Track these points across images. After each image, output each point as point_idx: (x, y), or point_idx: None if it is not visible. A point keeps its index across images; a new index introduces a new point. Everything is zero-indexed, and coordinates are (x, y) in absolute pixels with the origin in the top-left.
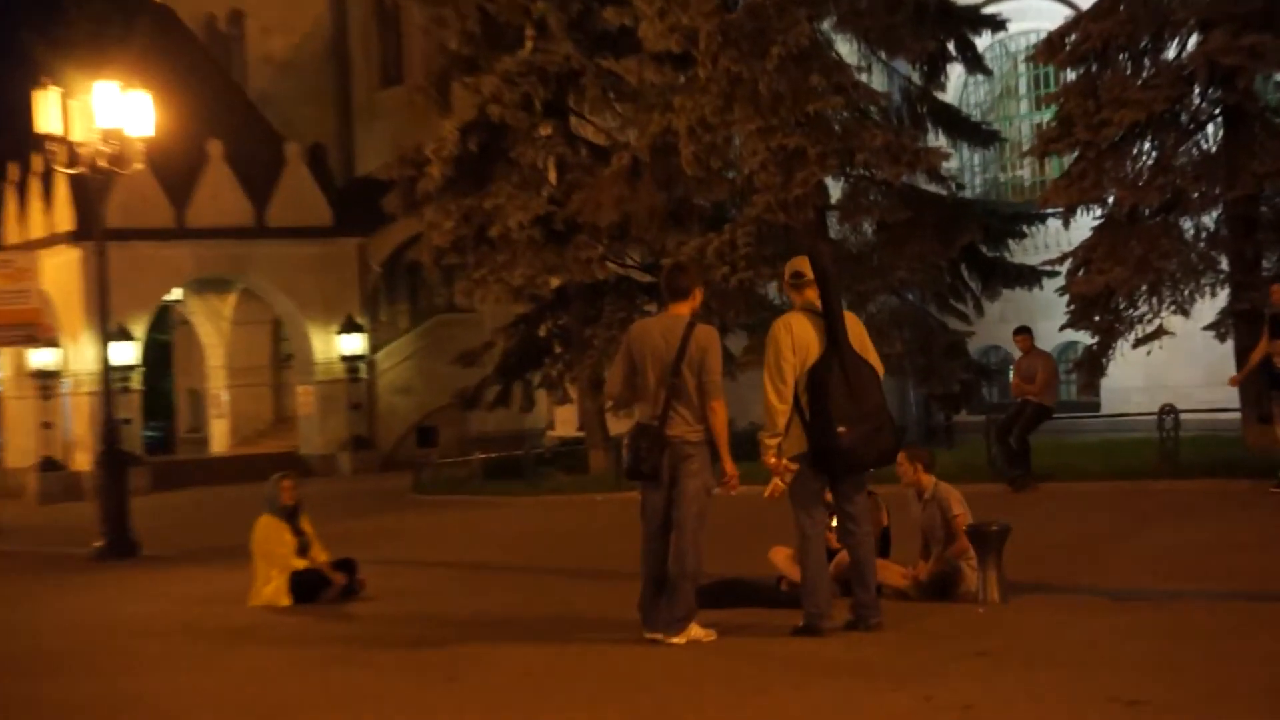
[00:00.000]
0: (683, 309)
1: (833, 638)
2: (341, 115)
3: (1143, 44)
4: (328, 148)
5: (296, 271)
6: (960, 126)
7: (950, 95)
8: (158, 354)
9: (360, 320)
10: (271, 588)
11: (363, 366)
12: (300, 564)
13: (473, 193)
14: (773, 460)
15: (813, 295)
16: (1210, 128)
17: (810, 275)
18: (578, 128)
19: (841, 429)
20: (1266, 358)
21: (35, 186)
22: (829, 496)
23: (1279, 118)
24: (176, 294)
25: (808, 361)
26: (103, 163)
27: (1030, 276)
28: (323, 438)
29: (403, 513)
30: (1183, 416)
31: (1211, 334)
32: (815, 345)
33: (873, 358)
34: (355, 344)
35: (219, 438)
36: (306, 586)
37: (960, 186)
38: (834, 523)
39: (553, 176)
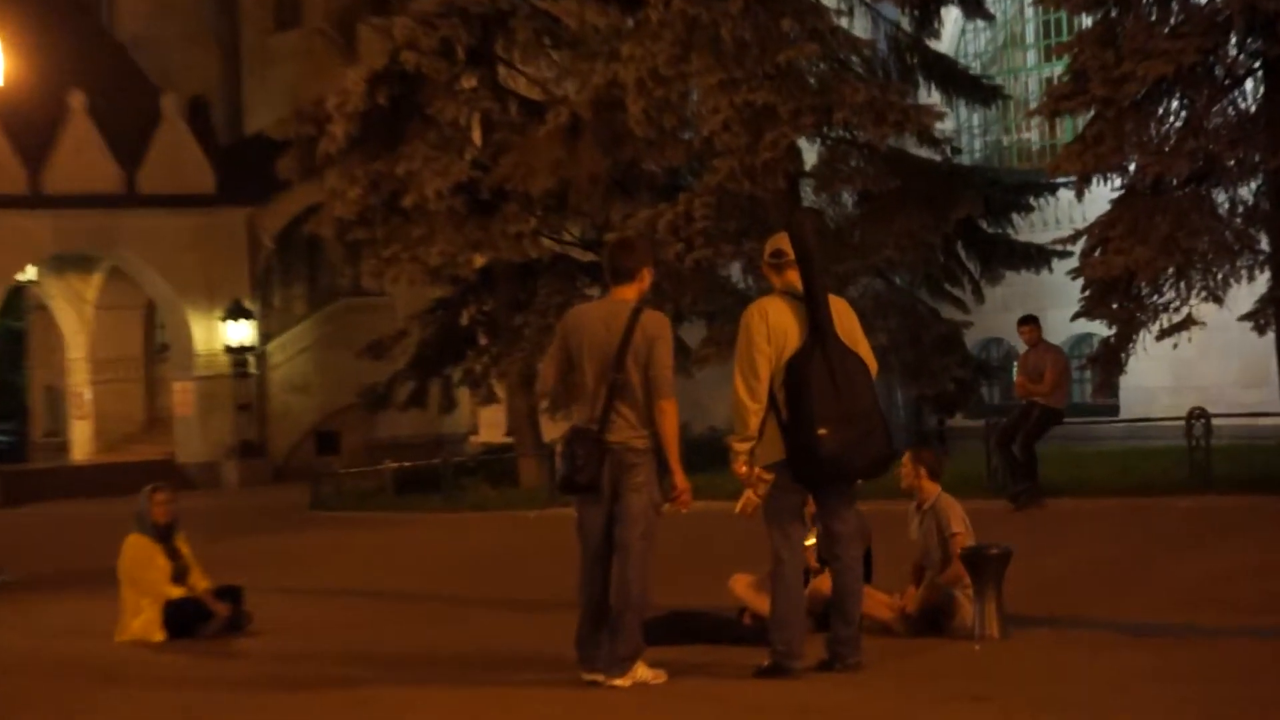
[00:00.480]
0: (628, 293)
1: (804, 679)
2: (228, 63)
3: None
4: (211, 101)
5: (173, 247)
6: (957, 81)
7: (945, 44)
8: (8, 344)
9: (249, 305)
10: (141, 620)
11: (252, 360)
12: (176, 592)
13: (383, 155)
14: (744, 469)
15: (794, 277)
16: (1249, 84)
17: (792, 254)
18: (507, 79)
19: (823, 431)
20: None
21: None
22: (810, 513)
23: None
24: (31, 273)
25: (785, 353)
26: None
27: (1037, 257)
28: (204, 443)
29: (298, 532)
30: (1215, 421)
31: (1249, 325)
32: (795, 334)
33: (864, 351)
34: (243, 333)
35: (81, 443)
36: (183, 618)
37: (956, 151)
38: (810, 540)
39: (477, 137)
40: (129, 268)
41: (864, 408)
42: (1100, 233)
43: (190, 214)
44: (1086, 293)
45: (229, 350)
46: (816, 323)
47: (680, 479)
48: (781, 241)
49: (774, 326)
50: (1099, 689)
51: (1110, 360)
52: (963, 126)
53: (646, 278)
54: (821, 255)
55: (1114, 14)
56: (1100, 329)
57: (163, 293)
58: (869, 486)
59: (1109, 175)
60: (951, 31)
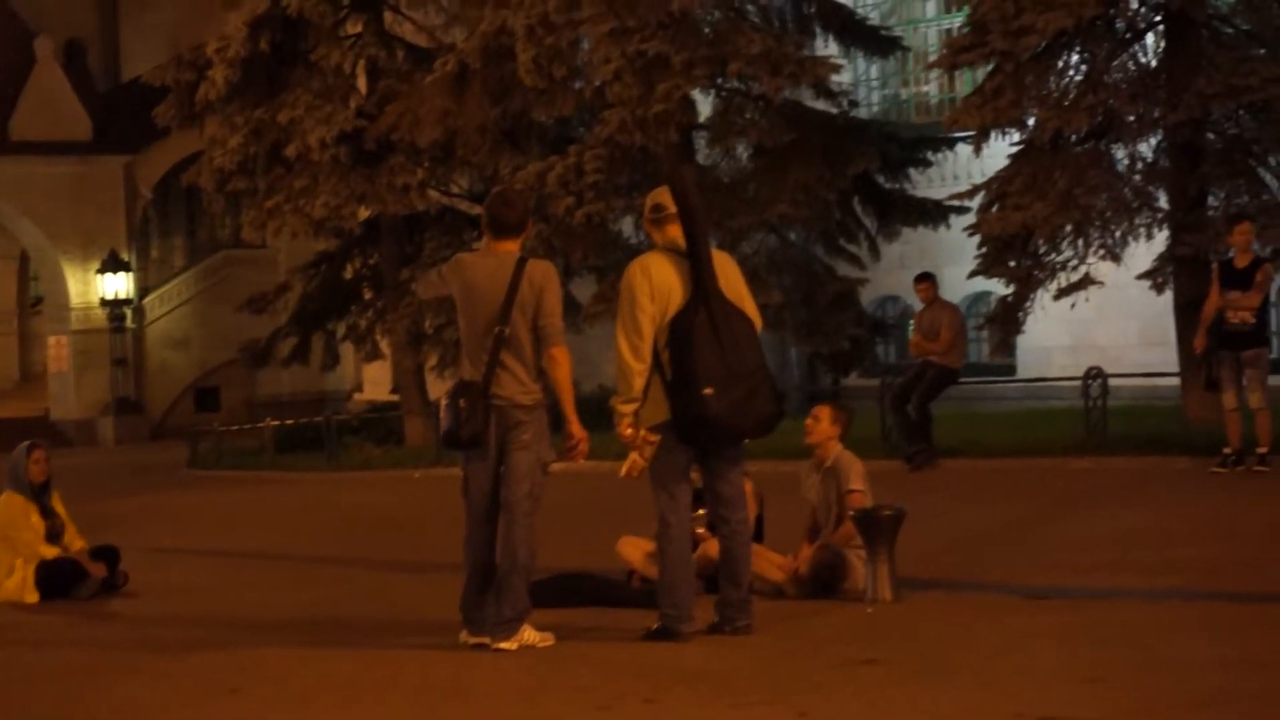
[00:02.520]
0: (511, 247)
1: (693, 643)
2: (105, 5)
3: None
4: (88, 45)
5: (47, 196)
6: (854, 32)
7: None
8: None
9: (126, 257)
10: (15, 580)
11: (129, 313)
12: (51, 552)
13: (265, 103)
14: (629, 431)
15: (676, 233)
16: (1149, 38)
17: (673, 209)
18: (393, 25)
19: (709, 391)
20: (1217, 313)
21: None
22: (696, 474)
23: (1229, 27)
24: None
25: (669, 311)
26: None
27: (935, 213)
28: (79, 400)
29: (177, 491)
30: (1112, 382)
31: (1147, 284)
32: (679, 292)
33: (749, 308)
34: (120, 285)
35: None
36: (58, 579)
37: (854, 104)
38: (701, 511)
39: (362, 84)
40: (1, 218)
41: (750, 366)
42: (998, 188)
43: (65, 162)
44: (983, 250)
45: (105, 303)
46: (700, 280)
47: (577, 428)
48: (662, 196)
49: (657, 284)
50: (991, 652)
51: (1007, 319)
52: (860, 79)
53: (529, 230)
54: (705, 210)
55: None
56: (998, 287)
57: (37, 243)
58: (759, 446)
59: (1008, 130)
60: None
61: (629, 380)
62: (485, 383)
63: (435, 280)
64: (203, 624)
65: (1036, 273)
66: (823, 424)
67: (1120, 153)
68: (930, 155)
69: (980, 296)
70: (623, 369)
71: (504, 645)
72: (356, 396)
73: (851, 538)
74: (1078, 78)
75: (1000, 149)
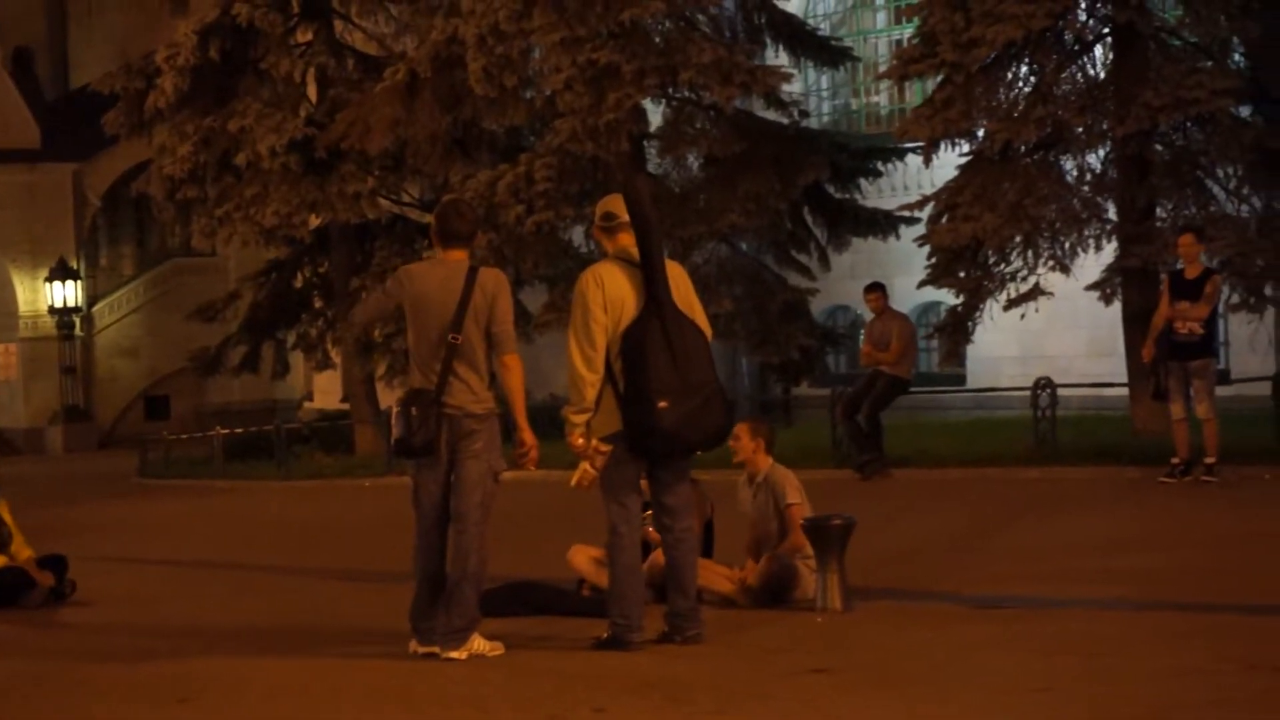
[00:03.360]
0: (461, 255)
1: (643, 652)
2: (54, 12)
3: None
4: (36, 52)
5: None
6: (805, 42)
7: (794, 5)
8: None
9: (75, 264)
10: None
11: (78, 321)
12: None
13: (214, 111)
14: (580, 441)
15: (628, 241)
16: (1098, 50)
17: (625, 217)
18: (343, 33)
19: (662, 404)
20: (1166, 323)
21: None
22: (645, 485)
23: (1177, 40)
24: None
25: (622, 322)
26: None
27: (885, 223)
28: (27, 408)
29: (126, 500)
30: (1061, 392)
31: (1095, 295)
32: (631, 302)
33: (700, 318)
34: (69, 293)
35: None
36: (5, 588)
37: (804, 114)
38: (648, 515)
39: (312, 93)
40: None
41: (702, 378)
42: (948, 199)
43: (13, 169)
44: (933, 260)
45: (54, 311)
46: (654, 291)
47: (528, 435)
48: (613, 204)
49: (610, 294)
50: (941, 661)
51: (957, 329)
52: (811, 89)
53: (479, 240)
54: (658, 221)
55: None
56: (948, 297)
57: None
58: (708, 457)
59: (957, 141)
60: None
61: (581, 390)
62: (438, 391)
63: (376, 300)
64: (152, 633)
65: (986, 283)
66: (743, 441)
67: (1069, 164)
68: (880, 165)
69: (930, 306)
70: (575, 379)
71: (454, 654)
72: (307, 405)
73: (800, 548)
74: (1027, 89)
75: (950, 160)
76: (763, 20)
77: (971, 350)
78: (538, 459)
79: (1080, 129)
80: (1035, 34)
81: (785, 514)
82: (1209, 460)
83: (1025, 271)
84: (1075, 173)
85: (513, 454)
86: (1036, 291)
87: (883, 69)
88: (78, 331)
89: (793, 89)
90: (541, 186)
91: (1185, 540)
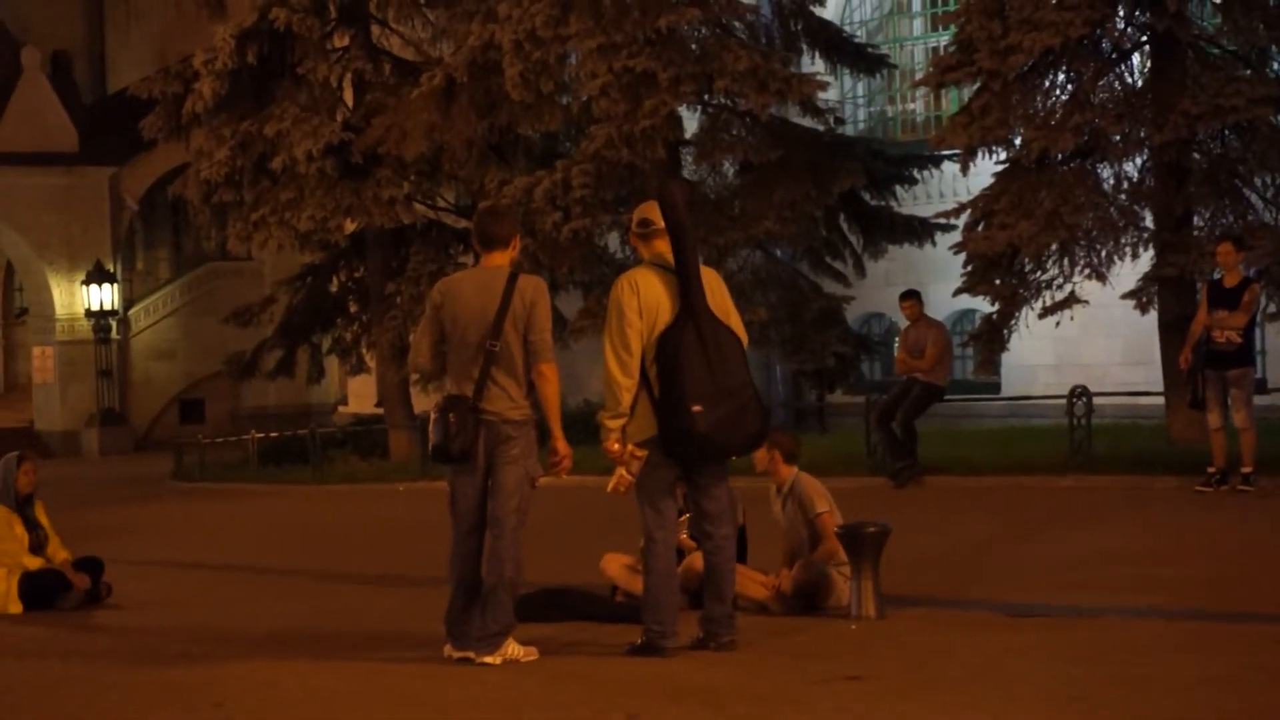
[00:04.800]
0: (500, 260)
1: (677, 658)
2: (92, 17)
3: None
4: (74, 56)
5: (33, 206)
6: (841, 49)
7: (830, 12)
8: None
9: (111, 268)
10: None
11: (114, 324)
12: (35, 563)
13: (251, 115)
14: (615, 447)
15: (664, 247)
16: (1135, 58)
17: (660, 223)
18: (380, 38)
19: (698, 408)
20: (1204, 332)
21: None
22: (681, 490)
23: (1216, 48)
24: None
25: (657, 327)
26: None
27: (921, 231)
28: (64, 411)
29: (161, 503)
30: (1097, 400)
31: (1132, 303)
32: (667, 308)
33: (735, 324)
34: (105, 297)
35: None
36: (42, 590)
37: (840, 121)
38: (683, 521)
39: (349, 97)
40: None
41: (738, 383)
42: (984, 207)
43: (51, 173)
44: (969, 268)
45: (90, 314)
46: (689, 296)
47: (562, 444)
48: (649, 211)
49: (645, 300)
50: (974, 669)
51: (992, 337)
52: (846, 96)
53: (517, 244)
54: (693, 227)
55: None
56: (983, 305)
57: (22, 254)
58: (740, 464)
59: (994, 148)
60: None
61: (617, 396)
62: (475, 397)
63: (425, 327)
64: (186, 636)
65: (1022, 291)
66: (760, 452)
67: (1106, 172)
68: (916, 173)
69: (965, 314)
70: (610, 384)
71: (488, 659)
72: (341, 409)
73: (833, 555)
74: (1064, 97)
75: (986, 167)
76: (799, 27)
77: (1006, 358)
78: (570, 468)
79: (1117, 137)
80: (1073, 42)
81: (815, 523)
82: (1246, 469)
83: (1061, 279)
84: (1112, 181)
85: (546, 462)
86: (1072, 299)
87: (919, 76)
88: (114, 335)
89: (829, 96)
90: (578, 193)
91: (1220, 550)
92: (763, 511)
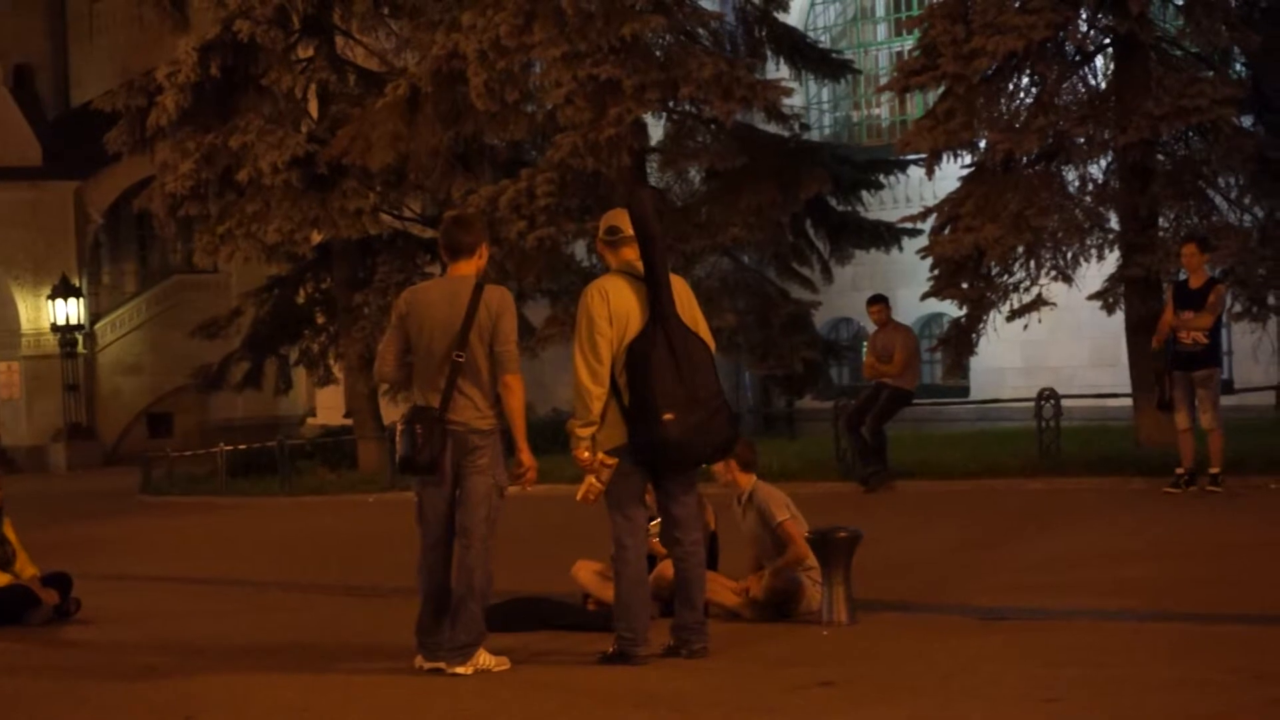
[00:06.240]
0: (467, 269)
1: (649, 666)
2: (55, 30)
3: None
4: (37, 70)
5: None
6: (805, 55)
7: (794, 18)
8: None
9: (77, 282)
10: None
11: (80, 339)
12: (2, 579)
13: (216, 127)
14: (585, 455)
15: (632, 255)
16: (1099, 60)
17: (629, 230)
18: (344, 49)
19: (668, 416)
20: (1170, 333)
21: None
22: (651, 498)
23: (1178, 50)
24: None
25: (627, 335)
26: None
27: (887, 235)
28: (30, 426)
29: (129, 517)
30: (1065, 403)
31: (1098, 305)
32: (636, 316)
33: (704, 332)
34: (71, 311)
35: None
36: (9, 606)
37: (805, 127)
38: (654, 527)
39: (314, 109)
40: None
41: (708, 392)
42: (950, 210)
43: (15, 187)
44: (936, 272)
45: (56, 329)
46: (658, 304)
47: (527, 456)
48: (617, 218)
49: (615, 308)
50: (947, 673)
51: (960, 341)
52: (812, 102)
53: (484, 254)
54: (662, 235)
55: None
56: (950, 309)
57: None
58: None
59: (959, 152)
60: (801, 4)
61: (587, 404)
62: (442, 408)
63: (390, 339)
64: (156, 650)
65: (989, 294)
66: (717, 465)
67: (1071, 174)
68: (882, 178)
69: (933, 318)
70: (580, 393)
71: (459, 670)
72: (310, 421)
73: (800, 559)
74: (1028, 100)
75: (952, 171)
76: (763, 34)
77: (975, 362)
78: (535, 479)
79: (1082, 139)
80: (1036, 45)
81: (778, 531)
82: (1214, 470)
83: (1028, 282)
84: (1077, 183)
85: (511, 474)
86: (1039, 302)
87: (884, 81)
88: (80, 349)
89: (793, 102)
90: (543, 201)
91: (1191, 551)
92: (734, 518)
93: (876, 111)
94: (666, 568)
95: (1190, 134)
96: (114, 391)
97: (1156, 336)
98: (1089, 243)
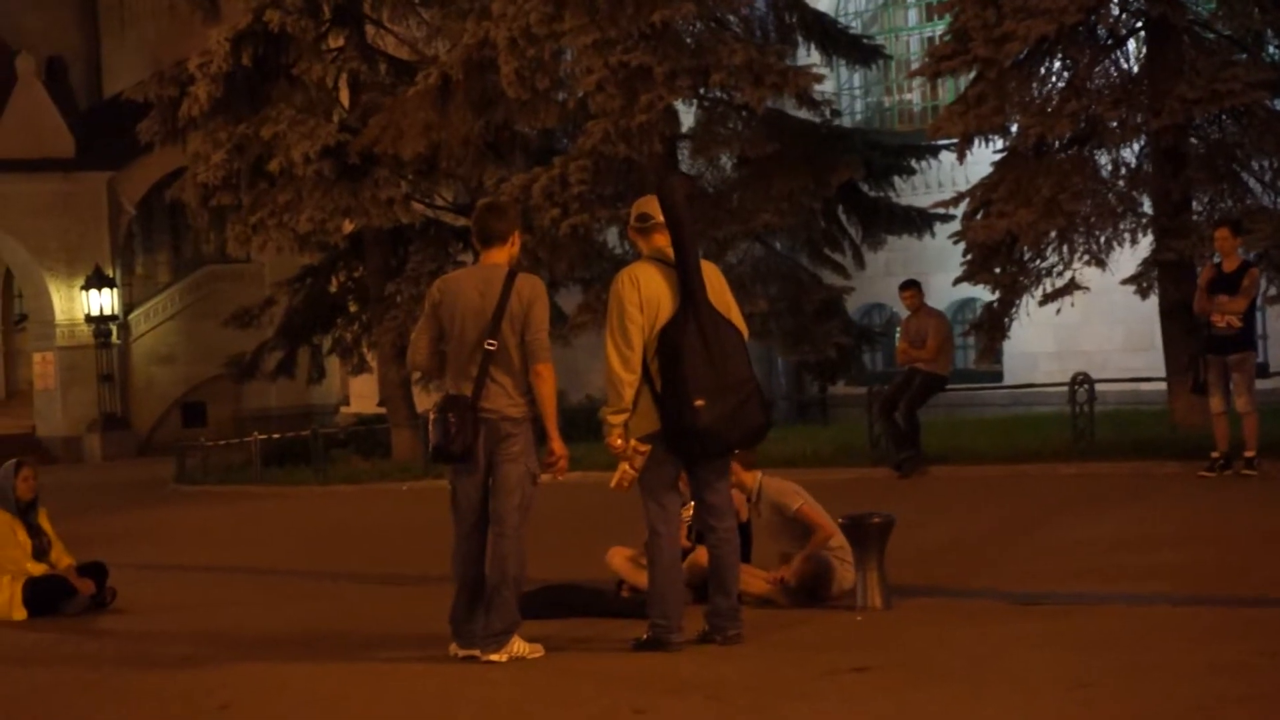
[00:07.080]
0: (499, 257)
1: (683, 653)
2: (86, 22)
3: None
4: (69, 62)
5: (31, 212)
6: (836, 41)
7: (825, 3)
8: None
9: (110, 272)
10: (3, 597)
11: (115, 329)
12: (38, 569)
13: (247, 117)
14: (618, 442)
15: (663, 242)
16: (1131, 44)
17: (660, 217)
18: (375, 38)
19: (699, 402)
20: (1204, 317)
21: None
22: (684, 484)
23: (1211, 33)
24: None
25: (658, 322)
26: None
27: (919, 221)
28: (66, 416)
29: (164, 507)
30: (1099, 387)
31: (1132, 289)
32: (667, 302)
33: (736, 317)
34: (105, 301)
35: None
36: (46, 596)
37: (837, 113)
38: (688, 515)
39: (345, 98)
40: None
41: (739, 377)
42: (982, 195)
43: (48, 178)
44: (968, 257)
45: (90, 320)
46: (689, 290)
47: (558, 445)
48: (648, 205)
49: (646, 295)
50: (979, 658)
51: (993, 325)
52: (843, 88)
53: (517, 241)
54: (693, 220)
55: None
56: (983, 294)
57: (20, 260)
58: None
59: (991, 137)
60: None
61: (619, 391)
62: (475, 396)
63: (423, 327)
64: (191, 640)
65: (1022, 279)
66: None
67: (1104, 159)
68: (914, 163)
69: (966, 303)
70: (612, 380)
71: (494, 657)
72: (343, 410)
73: (828, 539)
74: (1060, 84)
75: (984, 156)
76: (794, 20)
77: (1008, 346)
78: (566, 468)
79: (1114, 123)
80: (1068, 28)
81: (797, 518)
82: (1249, 454)
83: (1061, 266)
84: (1110, 167)
85: (542, 463)
86: (1072, 286)
87: (915, 66)
88: (114, 339)
89: (825, 88)
90: (575, 189)
91: (1225, 535)
92: (750, 517)
93: (908, 97)
94: (700, 555)
95: (1223, 117)
96: (148, 381)
97: (1197, 300)
98: (1122, 227)
